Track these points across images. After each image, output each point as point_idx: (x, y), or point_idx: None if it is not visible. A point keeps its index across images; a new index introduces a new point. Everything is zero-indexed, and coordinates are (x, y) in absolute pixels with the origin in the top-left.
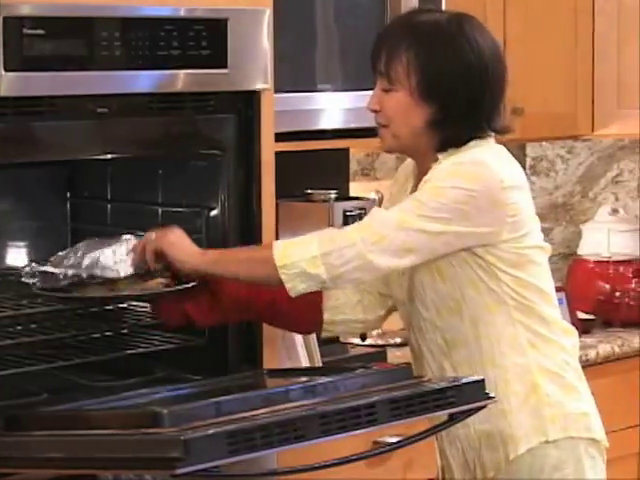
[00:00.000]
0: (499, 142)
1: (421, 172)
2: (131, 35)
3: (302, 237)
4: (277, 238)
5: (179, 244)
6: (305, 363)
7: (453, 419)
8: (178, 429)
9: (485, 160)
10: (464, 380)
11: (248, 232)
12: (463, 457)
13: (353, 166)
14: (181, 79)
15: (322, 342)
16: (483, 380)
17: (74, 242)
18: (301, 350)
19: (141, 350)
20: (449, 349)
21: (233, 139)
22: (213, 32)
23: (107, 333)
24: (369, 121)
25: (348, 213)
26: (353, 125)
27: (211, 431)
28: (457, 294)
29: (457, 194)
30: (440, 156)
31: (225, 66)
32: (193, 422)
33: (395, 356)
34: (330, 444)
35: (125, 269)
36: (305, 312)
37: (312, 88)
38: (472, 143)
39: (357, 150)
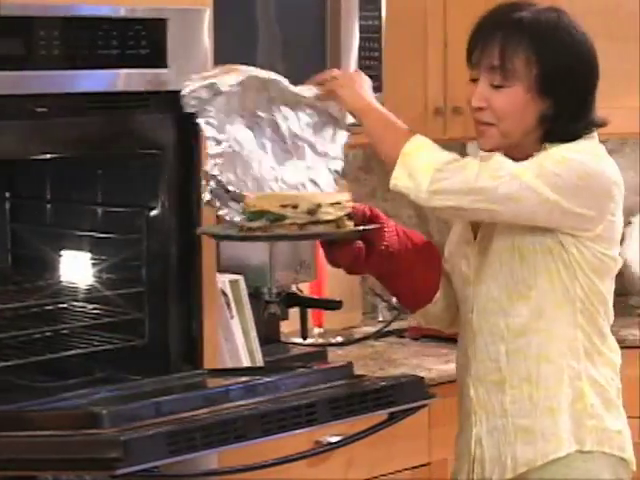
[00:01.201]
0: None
1: None
2: (70, 34)
3: (439, 147)
4: None
5: (350, 86)
6: (246, 363)
7: (393, 418)
8: (118, 429)
9: (603, 153)
10: (404, 379)
11: (189, 231)
12: (497, 451)
13: None
14: (121, 79)
15: (263, 342)
16: (423, 379)
17: (14, 243)
18: (242, 350)
19: (81, 350)
20: (509, 335)
21: (173, 139)
22: (153, 32)
23: (47, 333)
24: None
25: None
26: None
27: (151, 431)
28: (531, 280)
29: (579, 168)
30: (548, 145)
31: (165, 66)
32: (133, 422)
33: (336, 355)
34: (272, 444)
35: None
36: (428, 286)
37: None
38: (581, 140)
39: None
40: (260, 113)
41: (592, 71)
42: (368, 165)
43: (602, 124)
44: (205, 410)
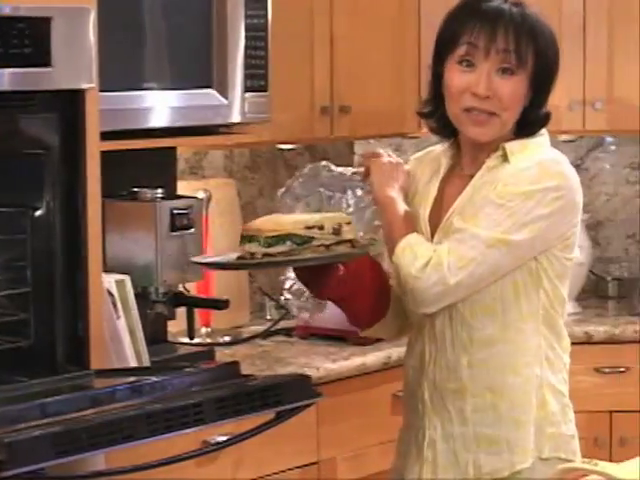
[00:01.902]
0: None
1: (472, 161)
2: None
3: (422, 246)
4: (104, 238)
5: (385, 174)
6: (133, 363)
7: (280, 417)
8: (2, 431)
9: (563, 159)
10: (290, 378)
11: (74, 232)
12: (454, 456)
13: (181, 165)
14: (4, 78)
15: (150, 342)
16: (309, 377)
17: None
18: (129, 350)
19: None
20: (472, 346)
21: (57, 138)
22: (36, 31)
23: None
24: (197, 119)
25: (175, 212)
26: (181, 123)
27: (36, 433)
28: (497, 293)
29: (546, 196)
30: (507, 145)
31: (49, 65)
32: (18, 424)
33: (224, 355)
34: (160, 444)
35: None
36: (382, 307)
37: (139, 87)
38: (541, 136)
39: (185, 149)
40: None
41: (558, 65)
42: (255, 164)
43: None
44: (91, 411)
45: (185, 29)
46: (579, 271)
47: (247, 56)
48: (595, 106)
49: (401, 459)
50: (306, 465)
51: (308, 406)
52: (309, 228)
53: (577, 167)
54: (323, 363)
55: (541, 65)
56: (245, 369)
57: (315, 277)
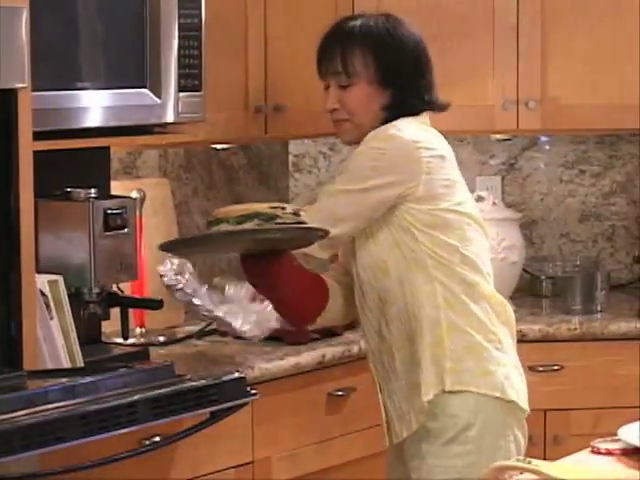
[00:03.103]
0: None
1: None
2: None
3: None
4: (37, 238)
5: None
6: (66, 364)
7: (214, 417)
8: None
9: (401, 126)
10: (225, 378)
11: (7, 232)
12: (400, 409)
13: (115, 165)
14: None
15: (83, 342)
16: (244, 377)
17: None
18: (62, 350)
19: None
20: (383, 306)
21: None
22: None
23: None
24: (130, 119)
25: (109, 212)
26: (114, 123)
27: None
28: (385, 255)
29: (370, 153)
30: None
31: None
32: None
33: (159, 355)
34: (96, 444)
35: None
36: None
37: (72, 86)
38: (422, 115)
39: (118, 149)
40: None
41: (424, 59)
42: (189, 164)
43: (445, 106)
44: (24, 412)
45: (119, 28)
46: (513, 270)
47: (181, 55)
48: (529, 105)
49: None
50: (241, 465)
51: (243, 406)
52: (273, 208)
53: (511, 166)
54: (258, 363)
55: (382, 67)
56: (180, 369)
57: (258, 270)
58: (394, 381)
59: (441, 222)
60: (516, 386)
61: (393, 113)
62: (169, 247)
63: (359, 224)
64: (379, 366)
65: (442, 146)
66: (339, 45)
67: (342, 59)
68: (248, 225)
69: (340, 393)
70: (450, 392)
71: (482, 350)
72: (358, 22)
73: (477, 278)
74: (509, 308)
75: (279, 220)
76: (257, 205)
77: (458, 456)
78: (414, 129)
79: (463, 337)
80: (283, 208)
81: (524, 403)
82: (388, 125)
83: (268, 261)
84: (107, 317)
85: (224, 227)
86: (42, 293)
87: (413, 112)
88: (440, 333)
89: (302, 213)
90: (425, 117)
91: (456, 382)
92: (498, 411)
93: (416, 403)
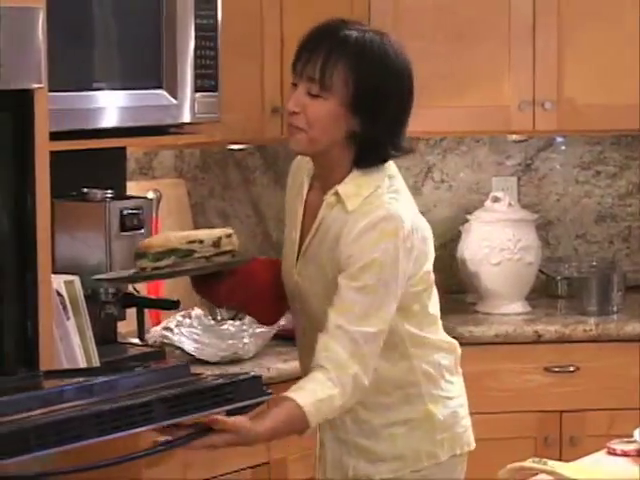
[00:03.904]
0: None
1: (326, 180)
2: None
3: (322, 392)
4: (53, 238)
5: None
6: (83, 364)
7: (230, 416)
8: None
9: (399, 213)
10: (241, 377)
11: (23, 232)
12: (340, 458)
13: (131, 165)
14: None
15: (99, 342)
16: (260, 377)
17: None
18: (78, 351)
19: None
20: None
21: (6, 139)
22: None
23: None
24: (147, 119)
25: (125, 212)
26: (130, 124)
27: None
28: None
29: (384, 259)
30: (340, 188)
31: None
32: None
33: (175, 355)
34: (112, 444)
35: None
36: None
37: (89, 87)
38: (386, 165)
39: (135, 149)
40: None
41: (407, 97)
42: (205, 164)
43: (409, 151)
44: (39, 411)
45: (135, 29)
46: (529, 271)
47: (197, 56)
48: (545, 106)
49: None
50: (258, 465)
51: (259, 404)
52: (191, 242)
53: (527, 167)
54: (274, 363)
55: (359, 91)
56: (196, 369)
57: (208, 288)
58: (342, 432)
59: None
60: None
61: (356, 145)
62: (102, 283)
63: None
64: None
65: (425, 225)
66: (324, 52)
67: (322, 68)
68: (165, 262)
69: None
70: (440, 463)
71: (460, 409)
72: (354, 34)
73: (439, 336)
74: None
75: (197, 255)
76: (174, 239)
77: None
78: (407, 208)
79: (447, 404)
80: (201, 242)
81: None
82: (381, 212)
83: (211, 283)
84: (123, 317)
85: (144, 264)
86: (58, 293)
87: (380, 158)
88: (426, 408)
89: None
90: (390, 165)
91: (448, 451)
92: (464, 462)
93: (362, 466)
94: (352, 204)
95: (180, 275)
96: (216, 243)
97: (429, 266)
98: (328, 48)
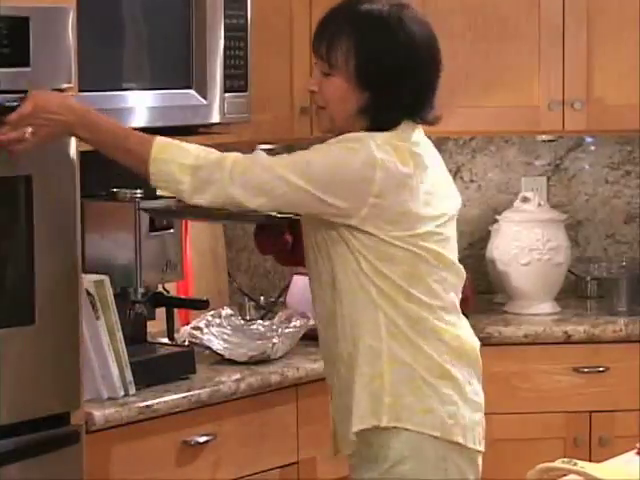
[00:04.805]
0: None
1: None
2: None
3: (185, 143)
4: (83, 239)
5: (46, 97)
6: (112, 363)
7: None
8: None
9: (370, 141)
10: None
11: (54, 233)
12: (342, 425)
13: None
14: None
15: (129, 342)
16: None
17: None
18: (108, 350)
19: None
20: (324, 320)
21: None
22: (14, 30)
23: None
24: (176, 119)
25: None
26: (160, 124)
27: None
28: (330, 269)
29: (329, 160)
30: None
31: (28, 64)
32: None
33: (203, 355)
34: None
35: None
36: None
37: (119, 87)
38: (401, 126)
39: None
40: None
41: (425, 66)
42: None
43: (434, 121)
44: None
45: (164, 29)
46: (558, 271)
47: (227, 56)
48: (574, 106)
49: None
50: (286, 465)
51: None
52: None
53: (556, 167)
54: (303, 363)
55: (362, 65)
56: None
57: (266, 242)
58: (337, 396)
59: (385, 256)
60: (467, 425)
61: (370, 119)
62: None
63: (276, 206)
64: (328, 375)
65: (409, 172)
66: (328, 30)
67: (327, 47)
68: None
69: None
70: (384, 428)
71: (425, 387)
72: (363, 8)
73: (425, 314)
74: (469, 341)
75: None
76: None
77: None
78: (385, 145)
79: (406, 371)
80: None
81: (475, 443)
82: (360, 135)
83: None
84: (153, 317)
85: None
86: (88, 293)
87: (389, 125)
88: (381, 365)
89: None
90: (408, 130)
91: (393, 418)
92: (438, 451)
93: (341, 429)
94: None
95: (236, 220)
96: None
97: (421, 229)
98: (335, 25)
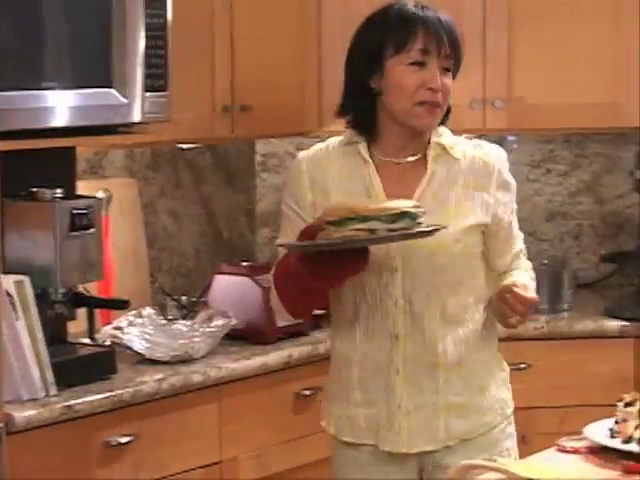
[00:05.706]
0: None
1: (398, 150)
2: None
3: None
4: (2, 238)
5: None
6: (33, 364)
7: None
8: None
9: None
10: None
11: None
12: (427, 422)
13: (81, 165)
14: None
15: (50, 342)
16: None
17: None
18: (28, 351)
19: None
20: (445, 324)
21: None
22: None
23: None
24: (96, 119)
25: (75, 212)
26: (80, 123)
27: None
28: (460, 276)
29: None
30: (441, 140)
31: None
32: None
33: (125, 355)
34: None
35: None
36: None
37: (38, 86)
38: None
39: (84, 149)
40: None
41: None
42: (156, 164)
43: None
44: None
45: (84, 28)
46: None
47: (147, 55)
48: (495, 105)
49: (363, 430)
50: (208, 465)
51: None
52: (416, 207)
53: None
54: (225, 362)
55: (458, 63)
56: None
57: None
58: (430, 394)
59: None
60: None
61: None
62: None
63: None
64: (413, 373)
65: None
66: (446, 30)
67: (451, 43)
68: (401, 224)
69: (307, 392)
70: (508, 416)
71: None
72: (438, 14)
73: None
74: None
75: (419, 220)
76: (400, 204)
77: None
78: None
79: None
80: (418, 207)
81: None
82: (473, 142)
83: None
84: (73, 317)
85: (376, 225)
86: (8, 294)
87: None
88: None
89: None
90: None
91: (509, 406)
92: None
93: (453, 424)
94: (456, 151)
95: (413, 237)
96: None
97: None
98: (444, 26)
